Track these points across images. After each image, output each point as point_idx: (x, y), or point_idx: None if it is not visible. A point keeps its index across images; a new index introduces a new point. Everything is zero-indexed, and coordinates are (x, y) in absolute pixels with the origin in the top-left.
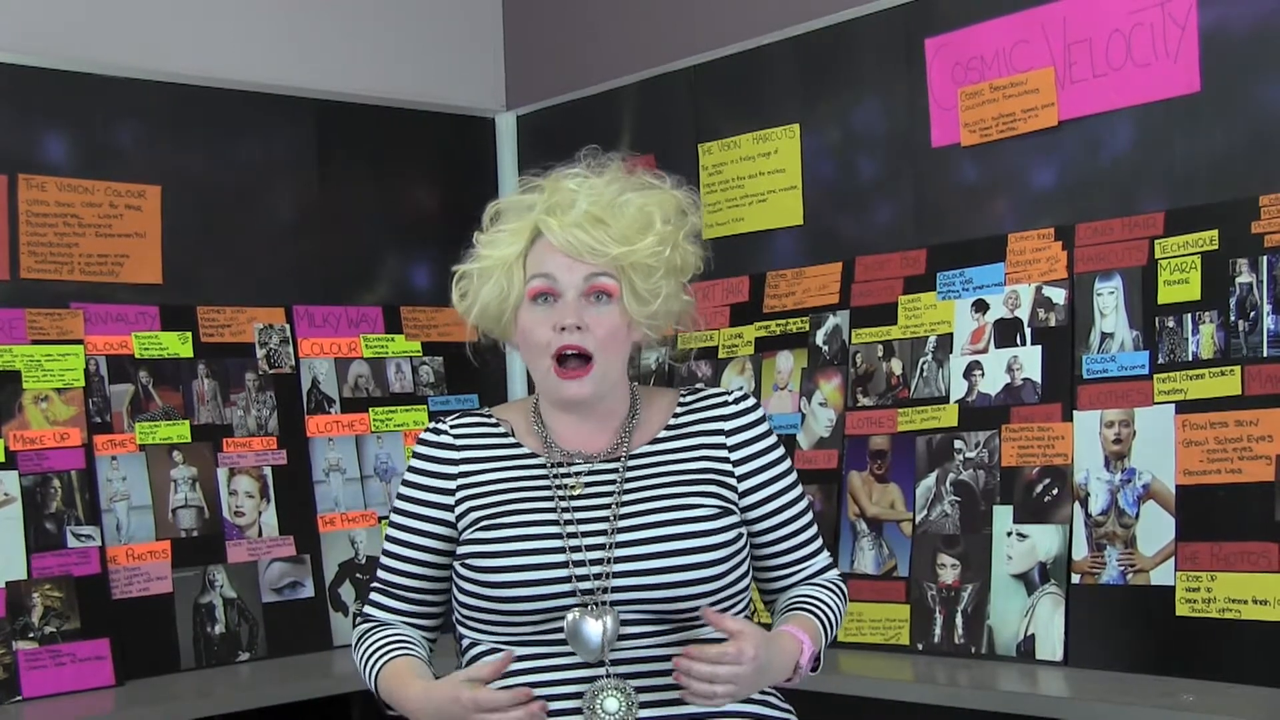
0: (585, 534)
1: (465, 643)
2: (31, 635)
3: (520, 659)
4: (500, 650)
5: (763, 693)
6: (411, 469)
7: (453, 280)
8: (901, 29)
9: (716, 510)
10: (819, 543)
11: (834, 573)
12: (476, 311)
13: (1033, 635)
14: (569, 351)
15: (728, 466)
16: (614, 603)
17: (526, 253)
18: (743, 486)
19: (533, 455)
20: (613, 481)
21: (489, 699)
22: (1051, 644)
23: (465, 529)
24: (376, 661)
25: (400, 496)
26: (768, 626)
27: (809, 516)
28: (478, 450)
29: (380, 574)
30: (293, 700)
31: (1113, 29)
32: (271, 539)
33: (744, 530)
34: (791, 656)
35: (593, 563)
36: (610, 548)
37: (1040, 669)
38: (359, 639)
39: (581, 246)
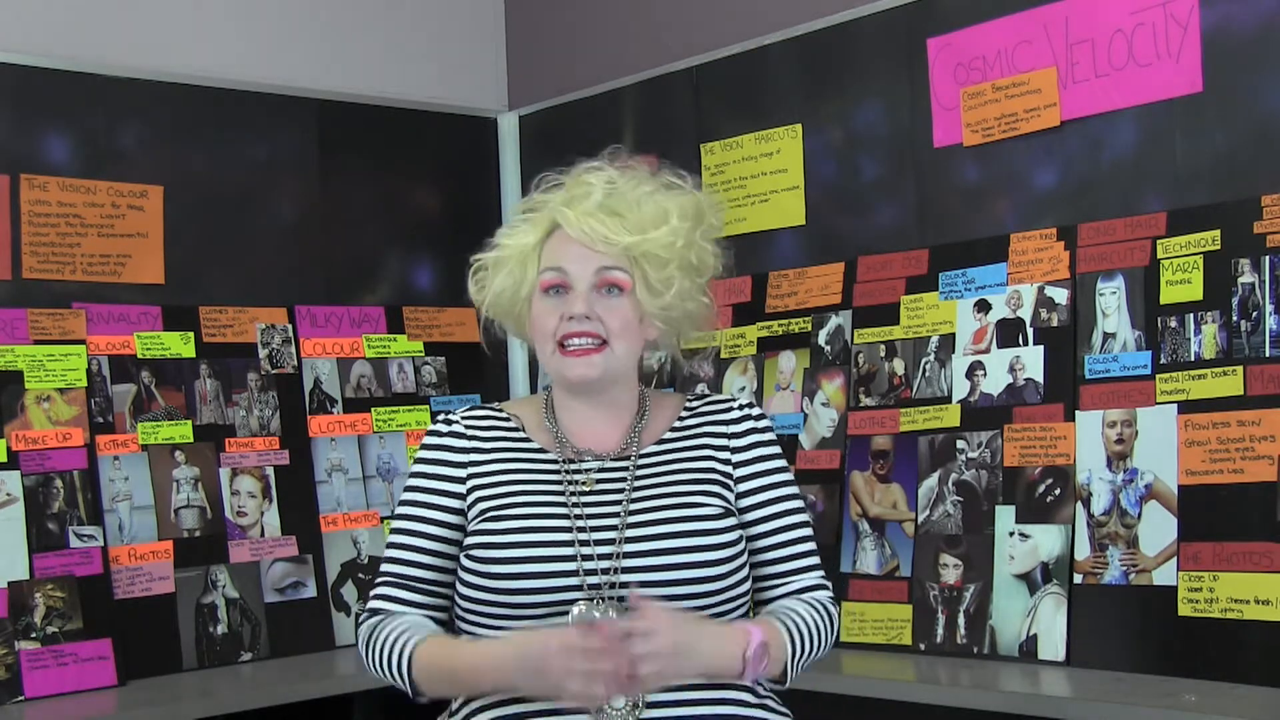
0: (594, 529)
1: (464, 639)
2: (34, 635)
3: None
4: None
5: (759, 696)
6: (421, 460)
7: (470, 271)
8: (904, 29)
9: (721, 510)
10: (813, 560)
11: (825, 594)
12: (490, 301)
13: (1035, 635)
14: (573, 339)
15: (728, 468)
16: (620, 598)
17: (543, 245)
18: (740, 489)
19: (543, 450)
20: (623, 479)
21: (594, 642)
22: (1054, 644)
23: (473, 519)
24: (405, 643)
25: (410, 488)
26: None
27: (805, 531)
28: (488, 441)
29: (388, 568)
30: (295, 700)
31: (1115, 29)
32: (274, 539)
33: (743, 534)
34: (734, 644)
35: (601, 557)
36: (620, 543)
37: (1042, 669)
38: (372, 631)
39: (595, 235)
